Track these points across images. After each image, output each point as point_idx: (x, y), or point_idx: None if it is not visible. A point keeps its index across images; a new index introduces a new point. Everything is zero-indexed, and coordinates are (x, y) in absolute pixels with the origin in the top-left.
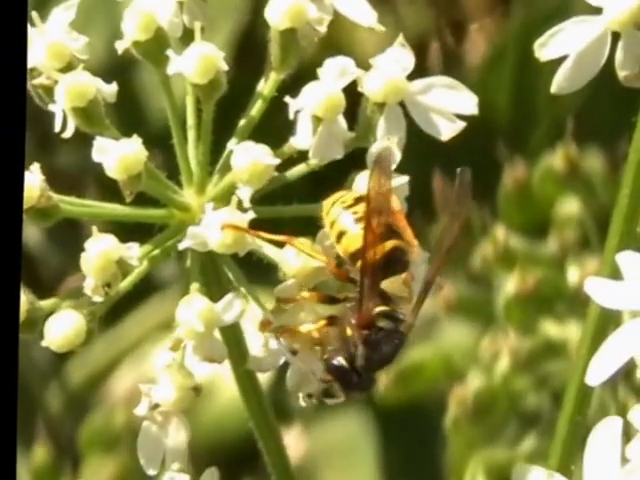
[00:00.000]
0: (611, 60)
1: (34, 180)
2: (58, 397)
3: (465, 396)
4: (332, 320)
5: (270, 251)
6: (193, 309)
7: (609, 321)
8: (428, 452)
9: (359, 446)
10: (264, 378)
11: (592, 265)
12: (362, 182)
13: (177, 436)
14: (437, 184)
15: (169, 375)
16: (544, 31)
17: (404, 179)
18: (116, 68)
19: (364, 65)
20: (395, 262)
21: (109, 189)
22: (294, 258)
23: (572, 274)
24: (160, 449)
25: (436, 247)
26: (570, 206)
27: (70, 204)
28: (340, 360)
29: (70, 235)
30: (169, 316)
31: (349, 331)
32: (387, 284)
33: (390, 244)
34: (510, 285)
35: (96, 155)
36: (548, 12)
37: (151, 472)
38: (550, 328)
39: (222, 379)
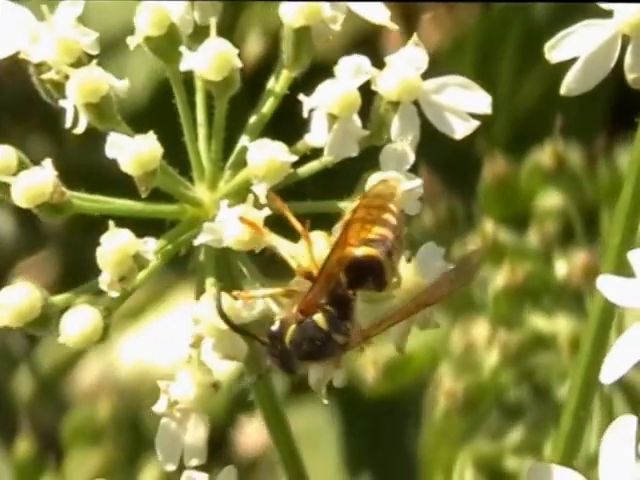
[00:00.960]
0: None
1: (47, 176)
2: (28, 385)
3: (455, 389)
4: (289, 293)
5: (284, 246)
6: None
7: (612, 317)
8: (394, 442)
9: (323, 437)
10: (226, 369)
11: (579, 258)
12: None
13: (196, 432)
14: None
15: (188, 372)
16: (505, 23)
17: (418, 182)
18: None
19: None
20: (364, 276)
21: (118, 185)
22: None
23: (559, 267)
24: (178, 445)
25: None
26: (550, 200)
27: (82, 200)
28: (277, 327)
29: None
30: (135, 305)
31: (294, 310)
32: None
33: (360, 256)
34: (499, 278)
35: (110, 151)
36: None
37: (169, 468)
38: (538, 321)
39: None
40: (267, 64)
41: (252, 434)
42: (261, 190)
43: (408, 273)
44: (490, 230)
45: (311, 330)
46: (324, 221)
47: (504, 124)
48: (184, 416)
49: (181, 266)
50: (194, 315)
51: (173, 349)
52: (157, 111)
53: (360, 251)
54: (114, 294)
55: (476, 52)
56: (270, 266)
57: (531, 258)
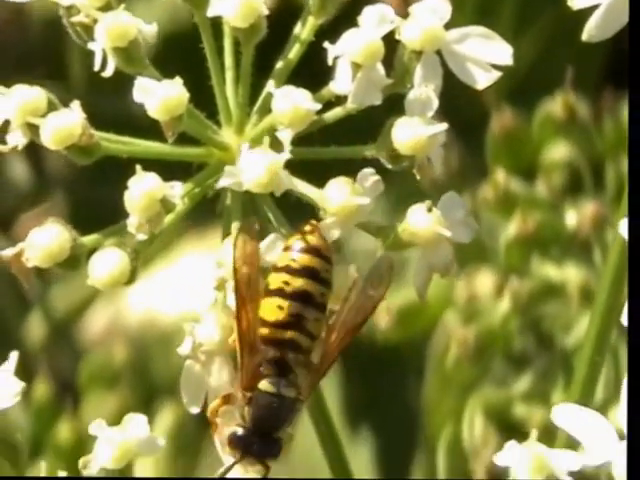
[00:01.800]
0: (565, 15)
1: (76, 118)
2: (42, 329)
3: (466, 336)
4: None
5: (308, 190)
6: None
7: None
8: (395, 396)
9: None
10: None
11: (588, 209)
12: (398, 130)
13: (220, 375)
14: None
15: (213, 314)
16: None
17: (442, 126)
18: None
19: None
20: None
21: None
22: (335, 195)
23: (569, 217)
24: (203, 388)
25: (342, 322)
26: (558, 151)
27: (110, 142)
28: (234, 430)
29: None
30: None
31: (239, 396)
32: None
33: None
34: (511, 228)
35: (137, 95)
36: None
37: (194, 411)
38: (548, 270)
39: None
40: (291, 10)
41: None
42: (286, 136)
43: (429, 223)
44: (501, 180)
45: (263, 398)
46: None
47: (504, 81)
48: (208, 359)
49: (189, 217)
50: (218, 258)
51: (181, 297)
52: (175, 57)
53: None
54: (141, 237)
55: (475, 11)
56: (296, 212)
57: (542, 208)
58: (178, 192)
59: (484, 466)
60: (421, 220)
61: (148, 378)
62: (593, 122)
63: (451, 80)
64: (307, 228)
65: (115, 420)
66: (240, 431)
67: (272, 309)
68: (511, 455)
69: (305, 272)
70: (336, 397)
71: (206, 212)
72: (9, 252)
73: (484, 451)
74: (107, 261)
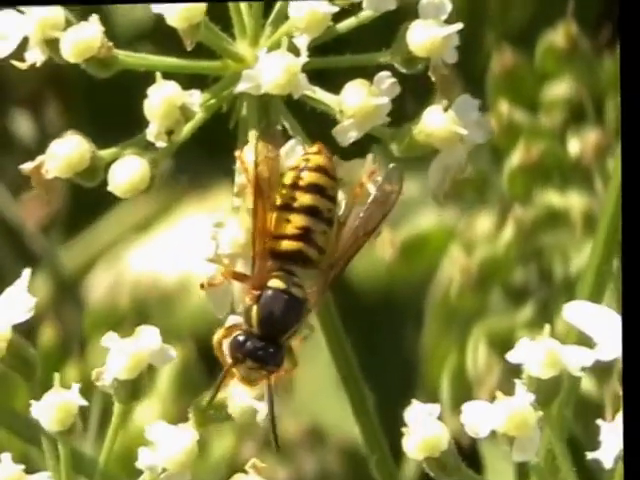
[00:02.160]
0: None
1: (94, 31)
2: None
3: (470, 265)
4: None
5: (325, 95)
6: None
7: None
8: (391, 344)
9: (318, 339)
10: None
11: (591, 137)
12: (413, 32)
13: None
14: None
15: (236, 218)
16: None
17: (457, 26)
18: None
19: None
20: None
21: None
22: (353, 97)
23: (572, 146)
24: (228, 293)
25: (354, 229)
26: (560, 88)
27: (127, 56)
28: (238, 335)
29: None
30: (144, 217)
31: (247, 299)
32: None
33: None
34: (514, 157)
35: (155, 6)
36: None
37: (220, 316)
38: (552, 198)
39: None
40: None
41: None
42: (302, 42)
43: (445, 123)
44: (505, 110)
45: (272, 294)
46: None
47: (506, 21)
48: (232, 262)
49: (188, 179)
50: (239, 166)
51: (182, 259)
52: None
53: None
54: (161, 145)
55: None
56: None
57: (545, 138)
58: (197, 100)
59: (488, 394)
60: (437, 120)
61: None
62: (594, 56)
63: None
64: (313, 149)
65: None
66: (244, 335)
67: (281, 223)
68: (523, 351)
69: (312, 189)
70: (328, 359)
71: (205, 174)
72: (29, 165)
73: (488, 379)
74: (127, 168)
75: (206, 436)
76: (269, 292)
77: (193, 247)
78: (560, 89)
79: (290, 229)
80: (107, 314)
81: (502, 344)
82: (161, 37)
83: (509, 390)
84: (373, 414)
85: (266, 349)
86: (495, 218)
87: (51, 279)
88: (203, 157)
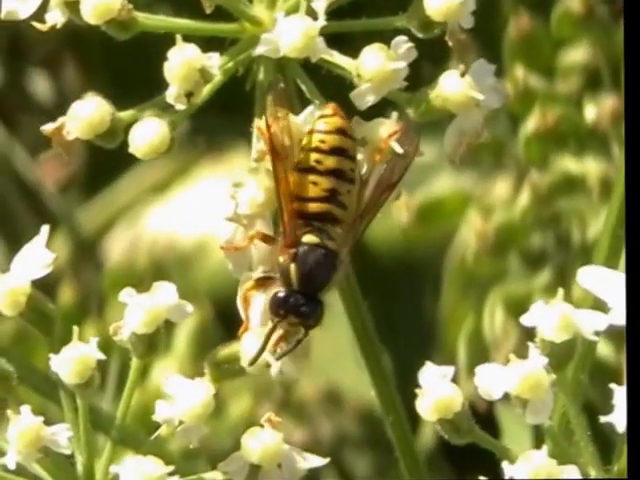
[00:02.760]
0: None
1: None
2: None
3: (486, 229)
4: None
5: (342, 59)
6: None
7: None
8: (411, 309)
9: (337, 306)
10: None
11: (607, 103)
12: None
13: None
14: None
15: (256, 178)
16: None
17: None
18: None
19: None
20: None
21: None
22: (370, 61)
23: (589, 112)
24: (247, 255)
25: (377, 183)
26: (576, 53)
27: (146, 18)
28: (278, 291)
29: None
30: (161, 178)
31: (282, 259)
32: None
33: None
34: (530, 122)
35: None
36: None
37: (239, 277)
38: (568, 164)
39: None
40: None
41: None
42: (320, 5)
43: (461, 87)
44: (521, 76)
45: (309, 250)
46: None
47: None
48: (250, 222)
49: (205, 141)
50: (257, 131)
51: (199, 220)
52: None
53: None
54: (180, 107)
55: None
56: (327, 84)
57: (561, 103)
58: (216, 62)
59: (504, 358)
60: (454, 84)
61: None
62: (610, 21)
63: None
64: (328, 111)
65: None
66: (285, 292)
67: (307, 185)
68: (537, 315)
69: (335, 151)
70: (344, 323)
71: (222, 136)
72: (50, 126)
73: (505, 343)
74: (147, 130)
75: (223, 397)
76: (305, 248)
77: (210, 208)
78: (576, 55)
79: (317, 191)
80: (125, 274)
81: (519, 308)
82: (180, 0)
83: (525, 354)
84: (389, 376)
85: (309, 305)
86: (512, 183)
87: (69, 240)
88: (220, 119)
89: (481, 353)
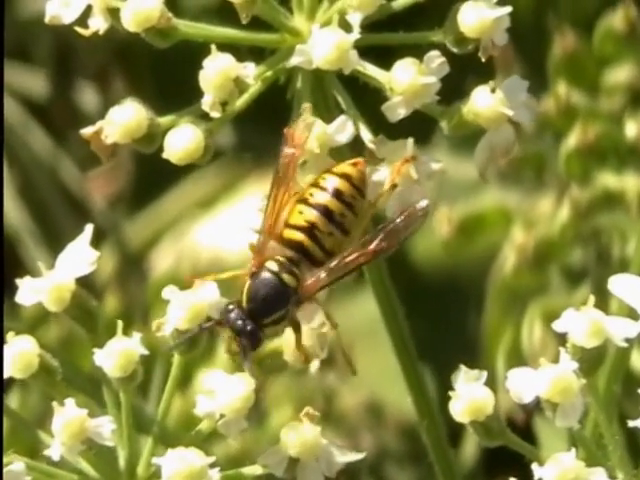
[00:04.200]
0: None
1: (154, 1)
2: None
3: (527, 243)
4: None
5: (376, 71)
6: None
7: None
8: (455, 327)
9: (371, 327)
10: None
11: None
12: (465, 13)
13: None
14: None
15: None
16: None
17: (507, 9)
18: None
19: None
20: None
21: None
22: (402, 75)
23: (629, 129)
24: None
25: (364, 243)
26: (620, 73)
27: (186, 27)
28: (230, 302)
29: None
30: (208, 193)
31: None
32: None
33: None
34: (571, 138)
35: None
36: None
37: None
38: (608, 180)
39: None
40: None
41: None
42: (355, 19)
43: (492, 103)
44: (563, 92)
45: (264, 275)
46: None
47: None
48: None
49: (253, 157)
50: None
51: (244, 236)
52: None
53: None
54: (215, 115)
55: None
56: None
57: (602, 120)
58: (251, 72)
59: None
60: (485, 100)
61: None
62: None
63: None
64: (351, 160)
65: None
66: (233, 305)
67: (294, 213)
68: (568, 321)
69: (330, 190)
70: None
71: (269, 152)
72: (89, 130)
73: (543, 355)
74: (183, 136)
75: (265, 408)
76: (262, 272)
77: (256, 224)
78: (620, 74)
79: (299, 220)
80: (170, 280)
81: None
82: (225, 11)
83: None
84: (429, 392)
85: (245, 323)
86: (554, 199)
87: (116, 253)
88: (267, 136)
89: (519, 365)
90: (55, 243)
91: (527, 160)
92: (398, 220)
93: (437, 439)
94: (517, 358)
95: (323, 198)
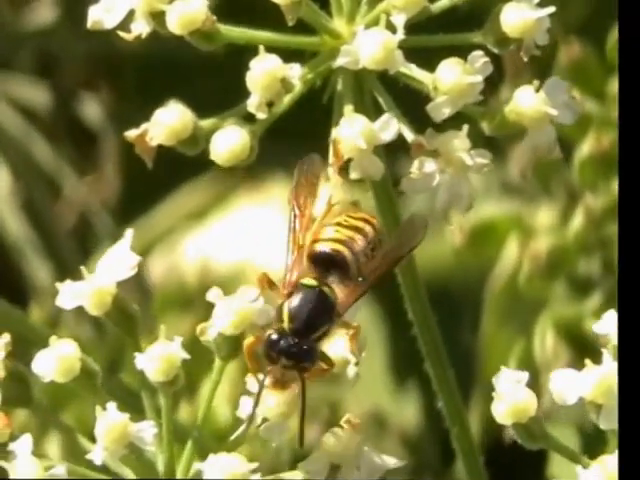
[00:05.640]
0: None
1: (200, 4)
2: None
3: (539, 250)
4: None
5: (419, 73)
6: (355, 127)
7: None
8: (448, 340)
9: (371, 340)
10: None
11: None
12: (507, 14)
13: None
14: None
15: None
16: None
17: (550, 9)
18: None
19: None
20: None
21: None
22: (448, 74)
23: None
24: None
25: (385, 253)
26: None
27: (229, 30)
28: (271, 333)
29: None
30: (199, 205)
31: (279, 301)
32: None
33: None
34: (585, 146)
35: None
36: None
37: None
38: None
39: None
40: None
41: None
42: (400, 21)
43: (535, 103)
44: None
45: (304, 290)
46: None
47: (573, 15)
48: None
49: (243, 169)
50: (335, 136)
51: (236, 247)
52: None
53: (326, 245)
54: (261, 116)
55: None
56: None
57: (614, 127)
58: (297, 73)
59: None
60: (528, 99)
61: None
62: None
63: None
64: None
65: (191, 339)
66: (277, 334)
67: (327, 230)
68: (609, 322)
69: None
70: (384, 349)
71: (261, 165)
72: (134, 132)
73: (555, 364)
74: (229, 137)
75: None
76: (301, 289)
77: (248, 236)
78: None
79: (336, 235)
80: (176, 291)
81: (569, 331)
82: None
83: None
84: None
85: (300, 345)
86: (561, 208)
87: None
88: (259, 148)
89: (531, 374)
90: (56, 254)
91: (535, 168)
92: (404, 230)
93: (468, 446)
94: (528, 368)
95: (356, 222)
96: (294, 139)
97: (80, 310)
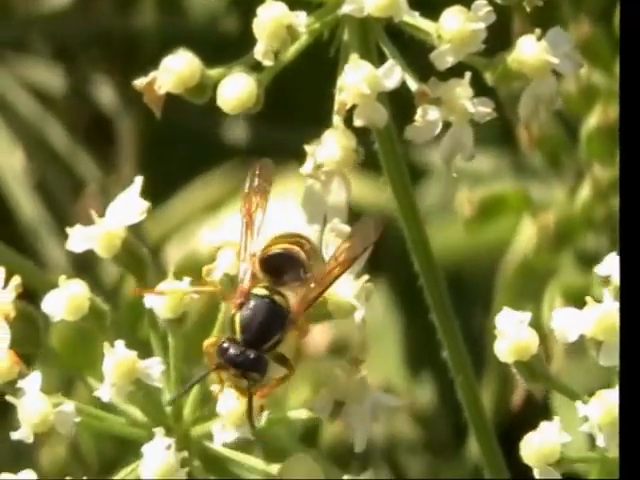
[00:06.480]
0: None
1: None
2: None
3: (548, 221)
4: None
5: (423, 22)
6: (359, 73)
7: None
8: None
9: (385, 332)
10: None
11: None
12: None
13: (338, 194)
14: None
15: (334, 136)
16: None
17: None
18: None
19: None
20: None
21: None
22: (451, 21)
23: None
24: (322, 207)
25: (333, 257)
26: None
27: None
28: (223, 342)
29: None
30: (215, 197)
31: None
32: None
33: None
34: (592, 119)
35: None
36: None
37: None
38: None
39: None
40: None
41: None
42: None
43: (537, 51)
44: (583, 73)
45: (254, 301)
46: None
47: None
48: (328, 178)
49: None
50: (340, 83)
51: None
52: None
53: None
54: (268, 63)
55: None
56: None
57: None
58: (303, 21)
59: (562, 345)
60: (530, 48)
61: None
62: None
63: None
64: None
65: (205, 308)
66: (227, 342)
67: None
68: (611, 264)
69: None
70: (399, 334)
71: (276, 157)
72: (142, 81)
73: None
74: (236, 84)
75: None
76: (251, 299)
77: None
78: None
79: (280, 240)
80: (190, 259)
81: (578, 300)
82: None
83: (582, 344)
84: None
85: (246, 355)
86: (570, 183)
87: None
88: (274, 140)
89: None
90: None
91: (544, 143)
92: (358, 231)
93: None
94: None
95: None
96: (309, 130)
97: (93, 291)
